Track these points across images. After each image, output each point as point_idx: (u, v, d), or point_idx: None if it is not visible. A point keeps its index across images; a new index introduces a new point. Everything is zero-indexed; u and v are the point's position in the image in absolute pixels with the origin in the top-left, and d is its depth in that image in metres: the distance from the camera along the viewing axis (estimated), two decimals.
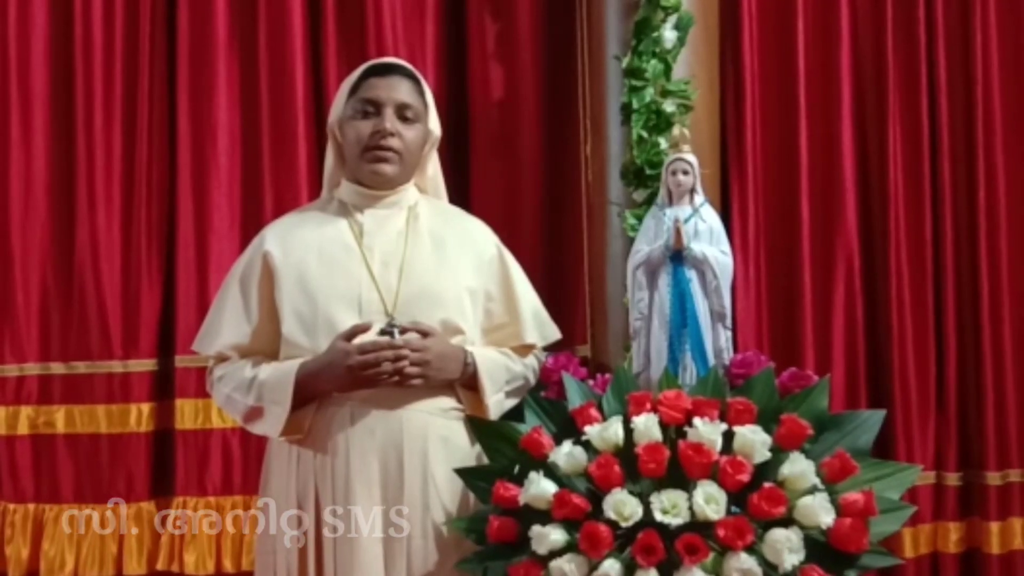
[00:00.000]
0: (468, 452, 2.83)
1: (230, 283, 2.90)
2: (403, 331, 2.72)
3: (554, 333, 3.05)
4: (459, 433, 2.83)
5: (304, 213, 3.01)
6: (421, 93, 2.91)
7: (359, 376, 2.67)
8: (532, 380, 2.96)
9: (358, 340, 2.70)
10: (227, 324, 2.85)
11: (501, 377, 2.86)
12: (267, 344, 2.83)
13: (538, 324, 2.99)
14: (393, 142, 2.84)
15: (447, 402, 2.82)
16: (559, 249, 3.95)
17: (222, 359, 2.87)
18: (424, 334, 2.73)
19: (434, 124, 2.95)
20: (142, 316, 3.93)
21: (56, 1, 4.00)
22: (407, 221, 2.90)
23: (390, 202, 2.91)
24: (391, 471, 2.72)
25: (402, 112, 2.86)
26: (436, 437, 2.77)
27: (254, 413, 2.80)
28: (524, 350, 2.96)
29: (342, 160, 2.96)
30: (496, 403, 2.83)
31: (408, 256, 2.84)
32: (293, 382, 2.71)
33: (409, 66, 2.97)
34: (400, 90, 2.87)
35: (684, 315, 2.91)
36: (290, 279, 2.81)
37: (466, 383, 2.82)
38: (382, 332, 2.72)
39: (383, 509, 2.71)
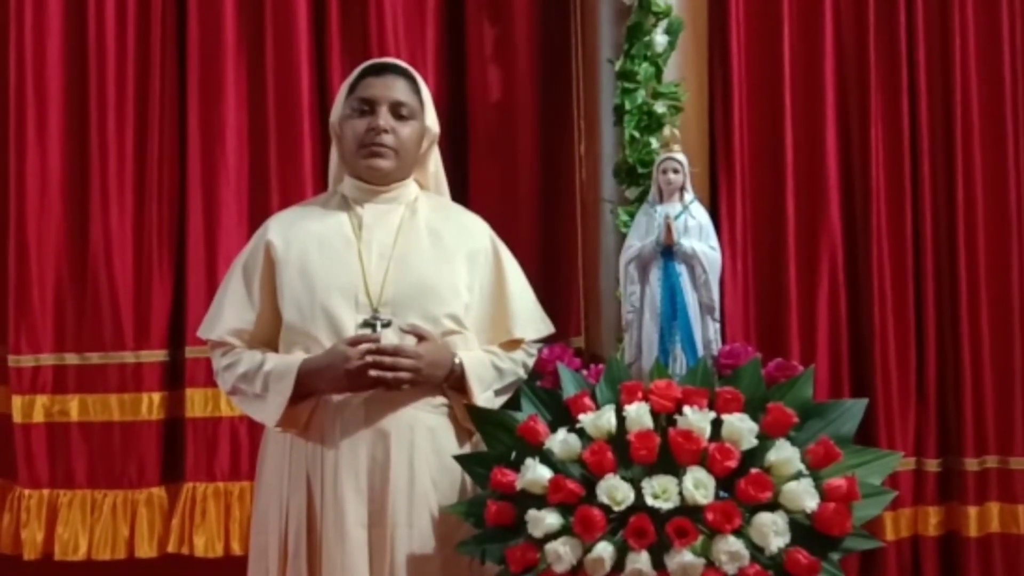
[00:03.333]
0: (454, 444, 2.81)
1: (234, 271, 2.89)
2: (386, 324, 2.72)
3: (547, 328, 3.02)
4: (446, 426, 2.81)
5: (307, 206, 3.01)
6: (416, 91, 2.89)
7: (356, 381, 2.66)
8: (523, 374, 2.94)
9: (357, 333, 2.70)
10: (229, 310, 2.84)
11: (488, 376, 2.84)
12: (268, 330, 2.82)
13: (530, 318, 2.96)
14: (387, 138, 2.82)
15: (437, 400, 2.80)
16: (554, 245, 3.94)
17: (224, 345, 2.85)
18: (420, 338, 2.71)
19: (431, 121, 2.93)
20: (153, 309, 3.92)
21: (71, 8, 4.00)
22: (406, 216, 2.89)
23: (390, 197, 2.89)
24: (378, 459, 2.71)
25: (396, 109, 2.84)
26: (423, 428, 2.75)
27: (256, 401, 2.79)
28: (514, 344, 2.94)
29: (345, 158, 2.94)
30: (485, 402, 2.81)
31: (404, 250, 2.83)
32: (295, 376, 2.70)
33: (404, 65, 2.95)
34: (395, 88, 2.85)
35: (674, 308, 2.90)
36: (291, 268, 2.80)
37: (453, 385, 2.80)
38: (364, 324, 2.72)
39: (369, 497, 2.70)
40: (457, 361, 2.77)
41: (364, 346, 2.66)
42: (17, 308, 3.93)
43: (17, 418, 3.91)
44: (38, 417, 3.91)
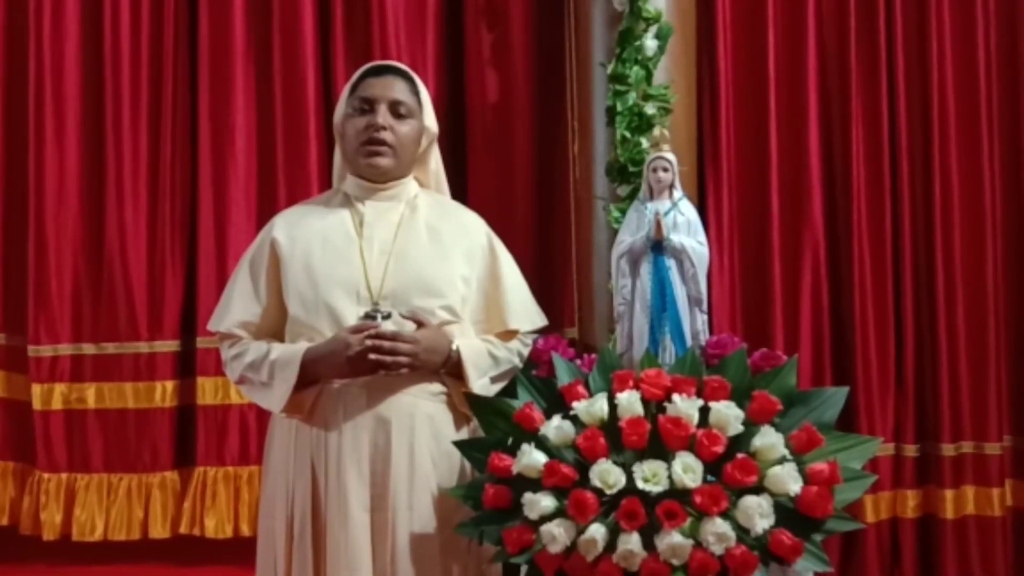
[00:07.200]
0: (452, 430, 2.78)
1: (241, 267, 2.87)
2: (386, 316, 2.70)
3: (541, 320, 2.99)
4: (444, 413, 2.78)
5: (311, 204, 2.98)
6: (415, 91, 2.85)
7: (356, 366, 2.64)
8: (518, 363, 2.91)
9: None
10: (237, 303, 2.82)
11: (484, 363, 2.81)
12: (274, 323, 2.80)
13: (525, 311, 2.94)
14: (386, 136, 2.79)
15: (435, 387, 2.78)
16: (549, 240, 3.94)
17: (231, 337, 2.84)
18: (419, 324, 2.70)
19: (429, 120, 2.89)
20: (166, 301, 3.93)
21: (87, 13, 4.01)
22: (406, 213, 2.86)
23: (390, 195, 2.86)
24: (379, 445, 2.69)
25: (395, 108, 2.81)
26: (423, 415, 2.73)
27: (262, 389, 2.77)
28: (508, 335, 2.92)
29: (347, 156, 2.92)
30: (481, 388, 2.79)
31: (404, 245, 2.80)
32: (299, 363, 2.68)
33: (403, 66, 2.92)
34: (393, 88, 2.82)
35: (664, 300, 2.89)
36: (296, 264, 2.77)
37: (450, 371, 2.78)
38: (366, 316, 2.70)
39: (371, 482, 2.68)
40: (454, 348, 2.75)
41: (364, 332, 2.65)
42: (36, 300, 3.94)
43: (36, 405, 3.92)
44: (56, 404, 3.92)
